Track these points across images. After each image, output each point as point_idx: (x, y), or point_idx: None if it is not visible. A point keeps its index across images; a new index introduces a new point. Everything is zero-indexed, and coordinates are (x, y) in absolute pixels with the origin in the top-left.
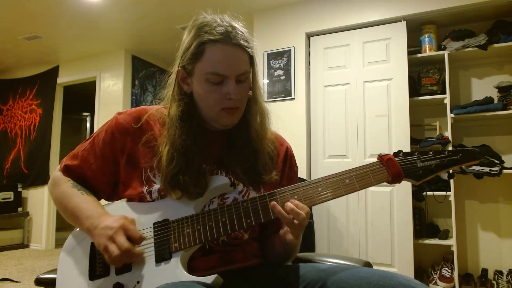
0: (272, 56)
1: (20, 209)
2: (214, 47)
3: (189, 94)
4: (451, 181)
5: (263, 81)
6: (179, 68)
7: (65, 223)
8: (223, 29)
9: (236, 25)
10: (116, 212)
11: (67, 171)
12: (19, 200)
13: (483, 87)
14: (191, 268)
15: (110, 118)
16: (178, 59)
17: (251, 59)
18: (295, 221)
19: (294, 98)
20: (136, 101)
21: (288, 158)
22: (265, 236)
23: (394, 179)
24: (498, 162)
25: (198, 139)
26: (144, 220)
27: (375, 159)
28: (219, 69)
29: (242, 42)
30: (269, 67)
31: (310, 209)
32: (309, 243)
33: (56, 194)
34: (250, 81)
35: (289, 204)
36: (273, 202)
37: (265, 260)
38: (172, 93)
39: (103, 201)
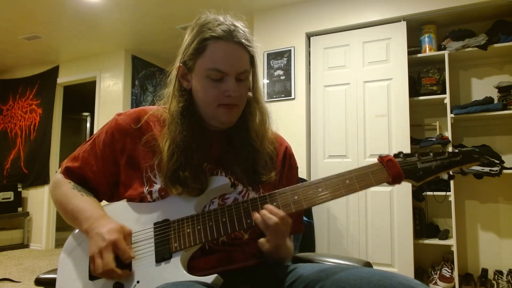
0: (272, 56)
1: (20, 209)
2: (216, 43)
3: (189, 90)
4: (451, 181)
5: (263, 81)
6: (180, 64)
7: (65, 223)
8: (225, 27)
9: (238, 24)
10: (116, 213)
11: (68, 173)
12: (19, 200)
13: (483, 87)
14: (191, 268)
15: (110, 118)
16: (179, 55)
17: (252, 59)
18: (268, 224)
19: (294, 98)
20: (136, 101)
21: (287, 157)
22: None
23: (394, 180)
24: (498, 162)
25: (198, 136)
26: (145, 220)
27: (375, 159)
28: (219, 66)
29: (244, 41)
30: (269, 67)
31: (310, 209)
32: (309, 243)
33: (57, 196)
34: (250, 80)
35: (262, 210)
36: (253, 212)
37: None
38: (172, 90)
39: (103, 202)
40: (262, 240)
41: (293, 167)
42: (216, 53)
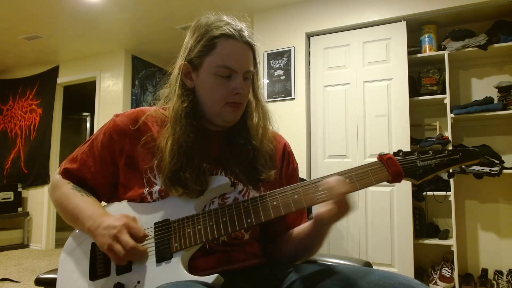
0: (272, 56)
1: (20, 209)
2: (226, 41)
3: (192, 89)
4: (451, 181)
5: (263, 81)
6: (185, 62)
7: (65, 223)
8: (234, 27)
9: (242, 25)
10: (116, 213)
11: (66, 174)
12: (19, 200)
13: (483, 87)
14: (191, 267)
15: (110, 119)
16: (183, 54)
17: (255, 60)
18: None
19: (294, 98)
20: (136, 101)
21: (286, 154)
22: (274, 236)
23: (394, 179)
24: (498, 162)
25: (199, 137)
26: (145, 220)
27: (375, 159)
28: (229, 63)
29: (250, 40)
30: (269, 67)
31: (310, 209)
32: None
33: (56, 196)
34: (251, 80)
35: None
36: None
37: (268, 259)
38: (176, 89)
39: (103, 203)
40: (318, 213)
41: (292, 164)
42: (226, 51)
